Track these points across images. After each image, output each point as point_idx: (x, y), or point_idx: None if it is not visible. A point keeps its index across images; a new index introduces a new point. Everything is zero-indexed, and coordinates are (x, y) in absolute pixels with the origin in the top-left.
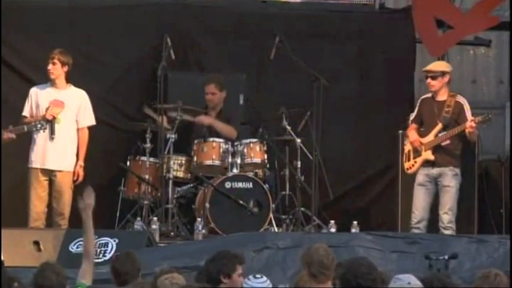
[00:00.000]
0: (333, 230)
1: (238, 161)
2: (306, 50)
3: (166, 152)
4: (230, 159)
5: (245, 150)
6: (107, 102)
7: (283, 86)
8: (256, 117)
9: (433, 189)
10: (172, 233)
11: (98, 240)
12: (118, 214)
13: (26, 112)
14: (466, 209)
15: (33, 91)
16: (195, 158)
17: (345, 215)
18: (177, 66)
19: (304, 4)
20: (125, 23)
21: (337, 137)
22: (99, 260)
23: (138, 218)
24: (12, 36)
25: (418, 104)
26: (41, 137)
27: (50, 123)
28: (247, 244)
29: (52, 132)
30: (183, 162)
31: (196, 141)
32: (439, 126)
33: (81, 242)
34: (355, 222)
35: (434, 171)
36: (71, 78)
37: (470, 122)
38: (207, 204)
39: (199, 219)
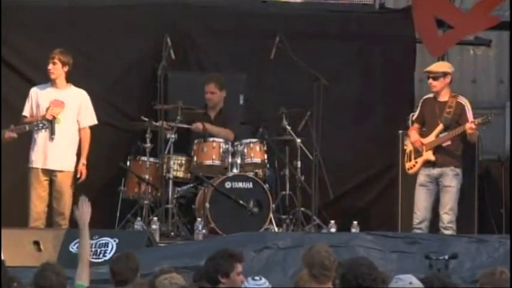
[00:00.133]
0: (333, 230)
1: (238, 161)
2: (306, 50)
3: (166, 152)
4: (230, 159)
5: (245, 150)
6: (107, 102)
7: (283, 85)
8: (256, 117)
9: (434, 189)
10: (172, 233)
11: (98, 240)
12: (118, 214)
13: (26, 112)
14: (466, 209)
15: (34, 91)
16: (195, 158)
17: (345, 215)
18: (177, 66)
19: (304, 4)
20: (125, 23)
21: (337, 137)
22: (99, 260)
23: (138, 218)
24: (12, 36)
25: (420, 104)
26: (41, 137)
27: (50, 123)
28: (248, 244)
29: (52, 132)
30: (183, 162)
31: (196, 141)
32: (440, 126)
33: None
34: (355, 222)
35: (435, 171)
36: (71, 78)
37: (470, 124)
38: (207, 204)
39: (199, 219)
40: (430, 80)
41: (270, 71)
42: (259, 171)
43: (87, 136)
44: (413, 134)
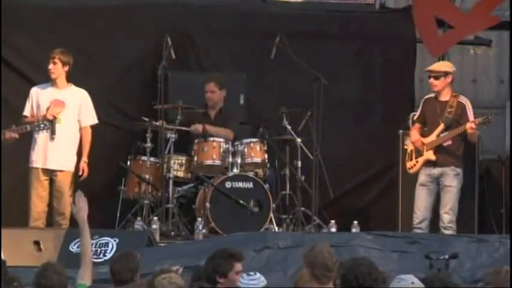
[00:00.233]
0: (333, 229)
1: (239, 160)
2: (306, 49)
3: (166, 152)
4: (230, 159)
5: (245, 150)
6: (107, 102)
7: (283, 85)
8: (256, 116)
9: (434, 189)
10: (172, 233)
11: (98, 240)
12: (118, 214)
13: (26, 112)
14: (466, 209)
15: (34, 91)
16: (195, 158)
17: (345, 215)
18: (177, 66)
19: (304, 4)
20: (125, 23)
21: (338, 136)
22: (100, 260)
23: (139, 218)
24: (12, 36)
25: (421, 104)
26: (41, 137)
27: (51, 123)
28: (248, 244)
29: (53, 132)
30: (184, 162)
31: (196, 141)
32: (441, 126)
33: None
34: (355, 222)
35: (436, 171)
36: (71, 79)
37: (470, 123)
38: (208, 204)
39: (199, 219)
40: (431, 80)
41: (270, 71)
42: (260, 171)
43: (88, 135)
44: (414, 133)
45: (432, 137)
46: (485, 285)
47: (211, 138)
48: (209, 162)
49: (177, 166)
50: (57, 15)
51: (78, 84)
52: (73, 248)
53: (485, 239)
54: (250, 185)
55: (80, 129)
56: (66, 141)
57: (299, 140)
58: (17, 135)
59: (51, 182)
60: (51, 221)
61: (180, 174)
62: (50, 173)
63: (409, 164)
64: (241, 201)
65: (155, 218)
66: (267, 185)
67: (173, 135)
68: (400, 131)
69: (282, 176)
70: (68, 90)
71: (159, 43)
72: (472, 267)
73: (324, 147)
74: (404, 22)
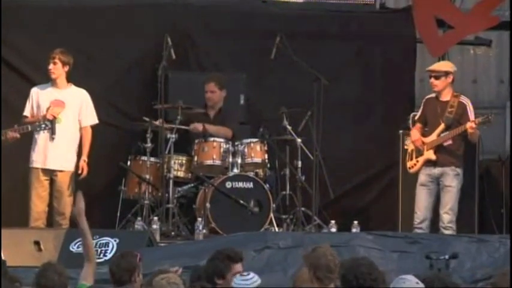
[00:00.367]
0: (333, 229)
1: (239, 160)
2: (306, 49)
3: (166, 152)
4: (231, 159)
5: (246, 150)
6: (107, 102)
7: (283, 85)
8: (256, 117)
9: (435, 189)
10: (172, 233)
11: (98, 240)
12: (119, 214)
13: (27, 112)
14: (466, 209)
15: (34, 91)
16: (195, 158)
17: (345, 215)
18: (178, 66)
19: (304, 4)
20: (125, 23)
21: (338, 136)
22: (100, 260)
23: (139, 218)
24: (12, 36)
25: (422, 104)
26: (41, 137)
27: (51, 123)
28: (248, 244)
29: (53, 132)
30: (184, 162)
31: (196, 141)
32: (442, 126)
33: (81, 242)
34: (355, 222)
35: (436, 171)
36: (71, 79)
37: (470, 123)
38: (208, 204)
39: (199, 219)
40: (432, 79)
41: (270, 71)
42: (260, 171)
43: (88, 135)
44: (415, 133)
45: (433, 137)
46: (490, 285)
47: (212, 139)
48: (209, 162)
49: (177, 166)
50: (57, 15)
51: (78, 84)
52: (73, 248)
53: (485, 239)
54: (250, 185)
55: (80, 129)
56: (66, 141)
57: (299, 140)
58: (18, 135)
59: (51, 182)
60: (51, 221)
61: (180, 174)
62: (50, 173)
63: (409, 164)
64: (242, 201)
65: (155, 218)
66: (267, 185)
67: (173, 135)
68: (400, 131)
69: (282, 176)
70: (68, 90)
71: (159, 43)
72: (472, 267)
73: (324, 147)
74: (404, 22)
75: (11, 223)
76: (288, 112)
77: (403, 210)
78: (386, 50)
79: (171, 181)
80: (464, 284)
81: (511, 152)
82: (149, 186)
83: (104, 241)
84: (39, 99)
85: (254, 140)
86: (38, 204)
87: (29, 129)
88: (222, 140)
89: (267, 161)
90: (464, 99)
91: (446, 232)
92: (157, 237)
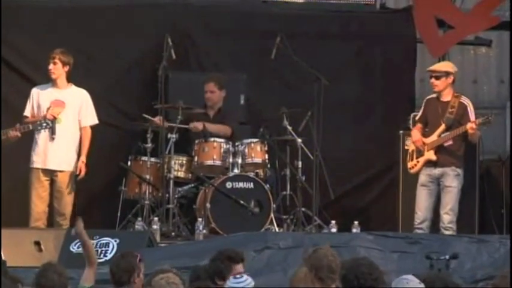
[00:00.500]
0: (333, 230)
1: (239, 161)
2: (307, 50)
3: (167, 152)
4: (231, 159)
5: (246, 150)
6: (107, 102)
7: (283, 85)
8: (257, 117)
9: (435, 189)
10: (173, 233)
11: (99, 240)
12: (119, 214)
13: (27, 112)
14: (467, 209)
15: (35, 91)
16: (196, 158)
17: (345, 215)
18: (178, 66)
19: (304, 4)
20: (125, 23)
21: (338, 137)
22: (100, 260)
23: (139, 218)
24: (12, 36)
25: (423, 104)
26: (42, 137)
27: (51, 123)
28: (248, 244)
29: (53, 132)
30: (184, 162)
31: (197, 141)
32: (443, 126)
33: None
34: (356, 222)
35: (437, 171)
36: (71, 79)
37: (471, 124)
38: (208, 204)
39: (200, 219)
40: (433, 79)
41: (270, 71)
42: (260, 171)
43: (88, 135)
44: (415, 133)
45: (433, 137)
46: (490, 286)
47: (212, 139)
48: (210, 162)
49: (177, 166)
50: (57, 15)
51: (78, 84)
52: (73, 248)
53: (485, 240)
54: (250, 185)
55: (80, 129)
56: (67, 141)
57: (299, 140)
58: (19, 134)
59: (52, 183)
60: (51, 221)
61: (181, 174)
62: (51, 174)
63: (410, 164)
64: (242, 202)
65: (156, 219)
66: (268, 186)
67: (174, 136)
68: (401, 132)
69: (283, 176)
70: (68, 90)
71: (159, 43)
72: (473, 268)
73: (324, 147)
74: (404, 22)
75: (11, 223)
76: (288, 112)
77: (404, 211)
78: (386, 50)
79: (171, 181)
80: (464, 284)
81: (511, 152)
82: (149, 187)
83: (104, 241)
84: (40, 99)
85: (254, 140)
86: (38, 205)
87: (30, 128)
88: (222, 140)
89: (267, 161)
90: (465, 100)
91: (447, 232)
92: (158, 238)
